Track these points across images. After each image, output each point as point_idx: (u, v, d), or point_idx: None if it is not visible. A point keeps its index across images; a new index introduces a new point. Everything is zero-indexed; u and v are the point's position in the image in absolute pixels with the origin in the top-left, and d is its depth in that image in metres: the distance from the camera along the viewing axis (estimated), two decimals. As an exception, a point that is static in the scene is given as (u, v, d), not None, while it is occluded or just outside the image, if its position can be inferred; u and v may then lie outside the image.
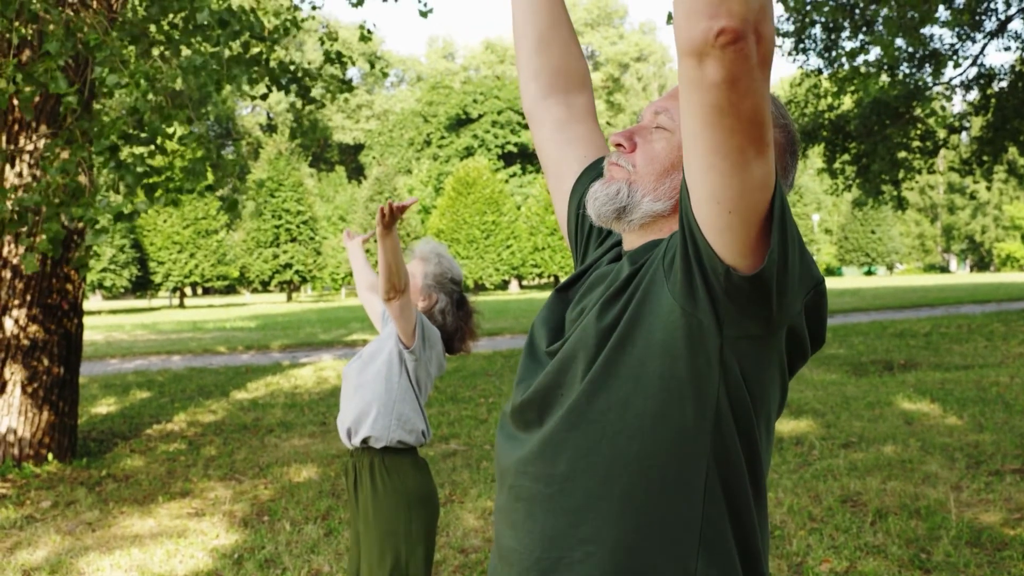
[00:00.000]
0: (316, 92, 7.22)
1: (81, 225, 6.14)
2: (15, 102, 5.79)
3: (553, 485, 1.17)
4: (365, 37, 7.67)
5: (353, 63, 7.26)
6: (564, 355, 1.21)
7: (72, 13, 5.64)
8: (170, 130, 5.86)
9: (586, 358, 1.18)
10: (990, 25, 14.42)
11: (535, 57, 1.47)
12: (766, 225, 1.05)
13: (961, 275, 56.46)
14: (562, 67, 1.47)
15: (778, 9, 13.94)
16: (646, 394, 1.13)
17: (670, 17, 10.29)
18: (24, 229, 5.62)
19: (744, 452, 1.15)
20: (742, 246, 1.06)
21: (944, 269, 67.84)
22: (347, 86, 7.03)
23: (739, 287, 1.07)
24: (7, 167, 5.96)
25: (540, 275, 49.53)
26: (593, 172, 1.40)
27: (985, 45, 14.66)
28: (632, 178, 1.22)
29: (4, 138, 6.25)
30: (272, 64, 6.87)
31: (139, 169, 5.72)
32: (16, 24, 5.31)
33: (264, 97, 6.96)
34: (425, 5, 8.21)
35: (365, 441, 2.70)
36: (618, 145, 1.24)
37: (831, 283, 44.17)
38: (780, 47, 12.30)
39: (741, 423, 1.14)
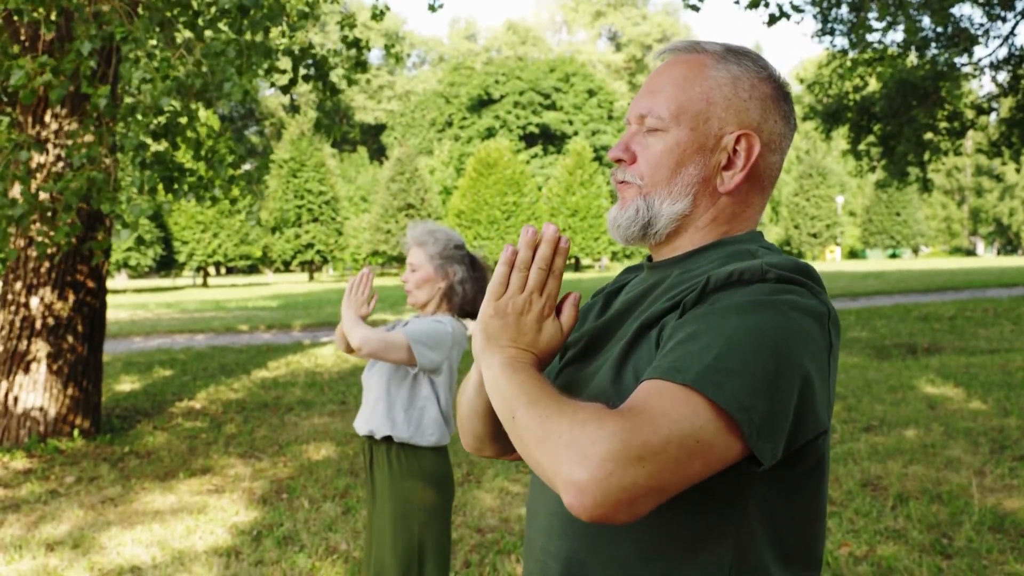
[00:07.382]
0: (335, 76, 7.23)
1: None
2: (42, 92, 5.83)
3: (572, 570, 1.12)
4: (377, 16, 7.68)
5: (369, 49, 7.26)
6: None
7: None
8: (191, 121, 5.89)
9: None
10: (1021, 5, 14.12)
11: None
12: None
13: (988, 258, 55.73)
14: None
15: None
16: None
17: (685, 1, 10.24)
18: (40, 219, 5.64)
19: (776, 556, 1.06)
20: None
21: (971, 252, 67.06)
22: (362, 67, 7.03)
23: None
24: (34, 153, 6.00)
25: (561, 256, 49.42)
26: None
27: (1015, 25, 14.37)
28: (645, 190, 1.17)
29: (30, 121, 6.29)
30: (291, 47, 6.86)
31: (157, 168, 5.78)
32: (40, 11, 5.31)
33: (286, 90, 6.98)
34: None
35: (388, 439, 2.71)
36: (618, 160, 1.19)
37: (855, 266, 43.76)
38: (799, 23, 12.09)
39: (776, 533, 1.06)
